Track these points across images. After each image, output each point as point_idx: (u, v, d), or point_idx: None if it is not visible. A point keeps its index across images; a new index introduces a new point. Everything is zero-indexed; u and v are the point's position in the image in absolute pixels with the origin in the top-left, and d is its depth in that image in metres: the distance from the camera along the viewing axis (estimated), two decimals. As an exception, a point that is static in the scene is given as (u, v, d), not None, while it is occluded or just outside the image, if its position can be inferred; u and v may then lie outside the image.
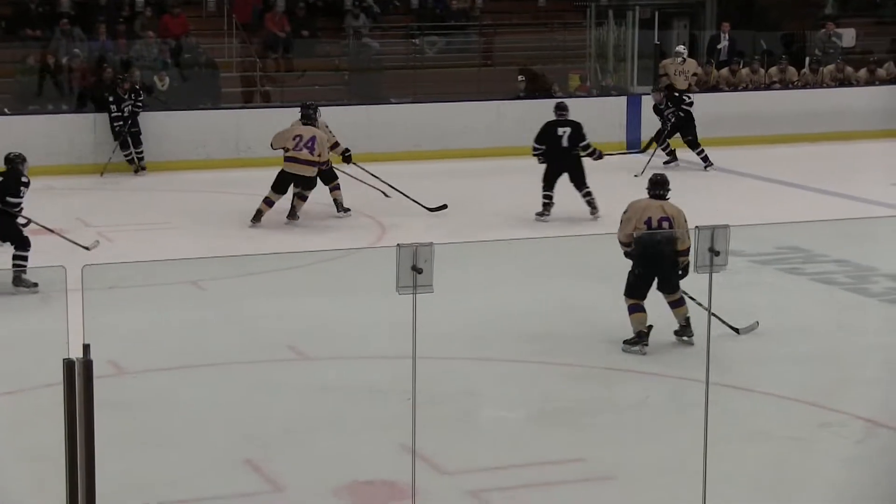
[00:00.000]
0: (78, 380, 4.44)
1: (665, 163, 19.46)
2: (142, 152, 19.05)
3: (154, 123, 19.43)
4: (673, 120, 19.56)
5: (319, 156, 15.23)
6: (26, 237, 12.25)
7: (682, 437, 8.00)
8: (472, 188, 18.31)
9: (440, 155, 19.81)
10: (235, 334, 10.39)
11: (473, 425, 8.85)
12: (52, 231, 12.57)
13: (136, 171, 18.96)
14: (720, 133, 21.10)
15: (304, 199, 15.55)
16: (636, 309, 10.09)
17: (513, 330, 10.50)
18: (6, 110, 20.03)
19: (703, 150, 19.53)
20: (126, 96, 19.04)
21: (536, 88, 22.00)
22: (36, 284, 11.72)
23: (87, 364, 4.38)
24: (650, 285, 10.18)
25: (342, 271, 12.23)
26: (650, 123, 21.22)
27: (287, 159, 15.30)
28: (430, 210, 15.87)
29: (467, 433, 8.63)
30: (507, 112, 20.86)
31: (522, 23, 24.61)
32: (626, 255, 10.34)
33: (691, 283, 9.76)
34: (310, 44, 23.22)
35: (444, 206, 15.93)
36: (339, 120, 19.95)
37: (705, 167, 19.47)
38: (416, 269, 6.03)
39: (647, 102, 21.56)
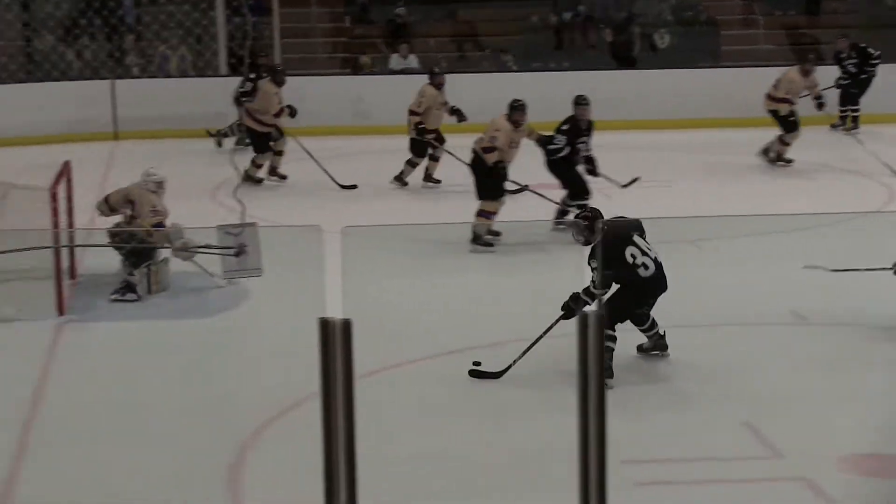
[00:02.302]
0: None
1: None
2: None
3: (655, 82, 19.51)
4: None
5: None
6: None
7: None
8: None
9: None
10: (736, 296, 10.33)
11: None
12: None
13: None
14: None
15: (436, 159, 15.15)
16: None
17: None
18: (513, 66, 20.82)
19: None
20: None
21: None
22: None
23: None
24: None
25: (845, 236, 11.95)
26: None
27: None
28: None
29: None
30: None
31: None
32: None
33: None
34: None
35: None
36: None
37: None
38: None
39: None
